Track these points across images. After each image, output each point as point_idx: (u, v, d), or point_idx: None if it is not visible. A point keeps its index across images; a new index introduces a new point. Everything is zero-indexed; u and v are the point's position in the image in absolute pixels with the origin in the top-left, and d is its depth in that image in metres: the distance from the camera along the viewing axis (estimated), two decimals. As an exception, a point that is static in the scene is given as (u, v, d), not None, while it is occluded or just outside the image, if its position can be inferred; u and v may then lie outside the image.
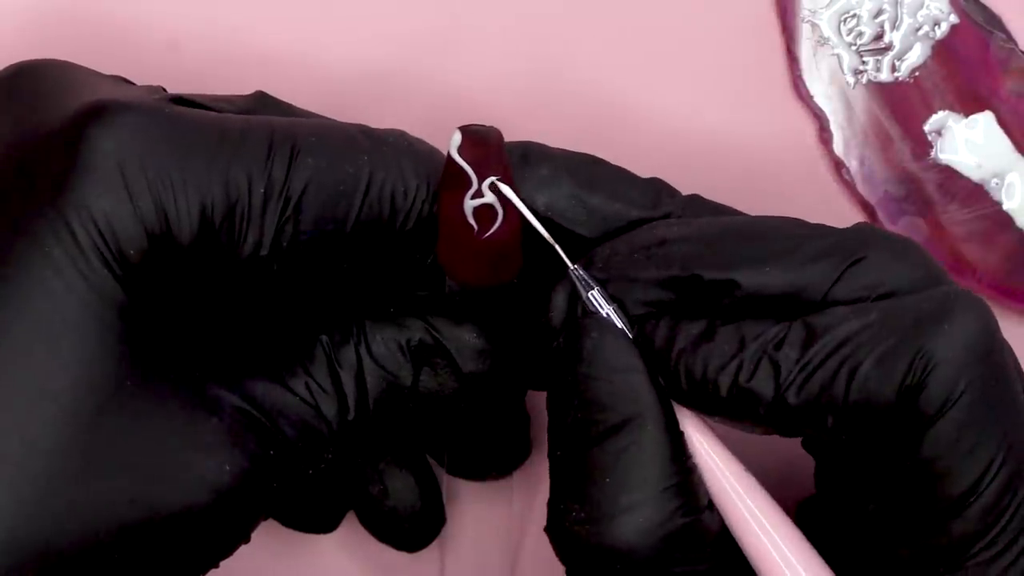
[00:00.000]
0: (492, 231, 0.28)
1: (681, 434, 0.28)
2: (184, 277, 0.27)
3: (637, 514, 0.26)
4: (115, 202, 0.26)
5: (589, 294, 0.28)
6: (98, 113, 0.26)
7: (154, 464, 0.26)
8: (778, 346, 0.26)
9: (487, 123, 0.29)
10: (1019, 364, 0.28)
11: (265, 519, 0.30)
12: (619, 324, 0.28)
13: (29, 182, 0.26)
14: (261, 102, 0.31)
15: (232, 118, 0.28)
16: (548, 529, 0.28)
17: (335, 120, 0.30)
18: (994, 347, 0.27)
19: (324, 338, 0.30)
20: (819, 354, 0.26)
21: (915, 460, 0.26)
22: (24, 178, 0.27)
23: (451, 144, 0.28)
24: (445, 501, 0.35)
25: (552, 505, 0.28)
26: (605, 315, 0.28)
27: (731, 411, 0.27)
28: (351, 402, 0.29)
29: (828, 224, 0.29)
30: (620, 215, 0.29)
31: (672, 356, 0.27)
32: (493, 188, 0.28)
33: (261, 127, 0.28)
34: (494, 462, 0.36)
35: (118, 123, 0.26)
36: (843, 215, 0.38)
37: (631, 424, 0.27)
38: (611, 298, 0.28)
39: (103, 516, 0.25)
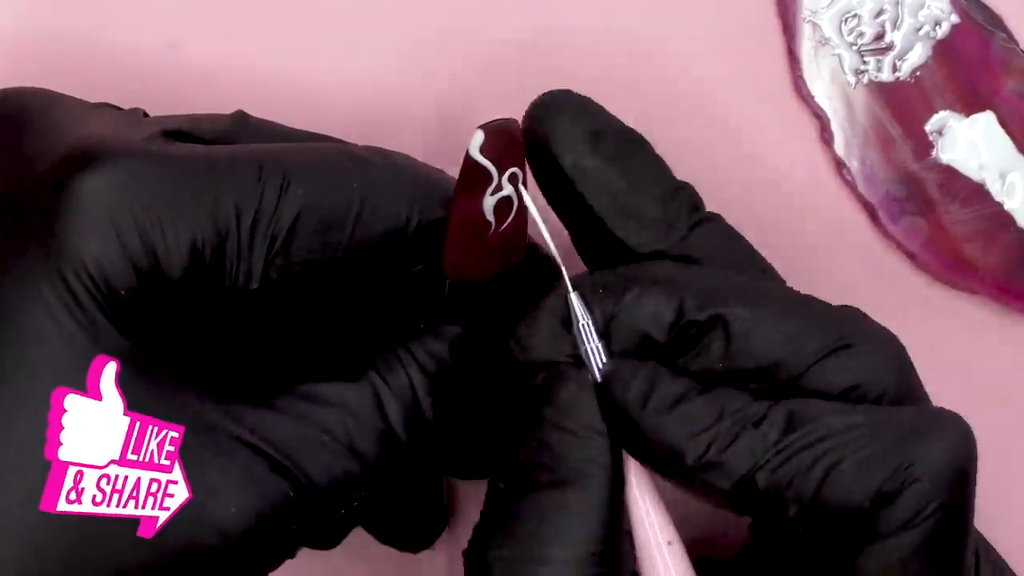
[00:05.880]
0: (507, 222, 0.28)
1: (621, 503, 0.27)
2: (176, 311, 0.27)
3: (557, 571, 0.26)
4: (104, 245, 0.25)
5: (580, 324, 0.28)
6: (84, 159, 0.26)
7: None
8: (757, 424, 0.26)
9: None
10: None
11: (291, 557, 0.29)
12: (599, 362, 0.27)
13: (17, 228, 0.26)
14: (242, 123, 0.31)
15: (218, 151, 0.28)
16: (467, 552, 0.28)
17: (316, 142, 0.30)
18: (970, 477, 0.26)
19: (372, 373, 0.29)
20: (799, 442, 0.26)
21: (848, 566, 0.26)
22: (12, 223, 0.26)
23: (472, 144, 0.27)
24: (447, 502, 0.35)
25: (479, 530, 0.28)
26: (592, 348, 0.27)
27: (693, 480, 0.27)
28: (400, 430, 0.29)
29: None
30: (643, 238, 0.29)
31: (645, 414, 0.27)
32: (511, 180, 0.28)
33: (249, 160, 0.27)
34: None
35: (105, 168, 0.26)
36: (844, 216, 0.38)
37: (578, 483, 0.27)
38: (602, 332, 0.28)
39: (108, 557, 0.25)
